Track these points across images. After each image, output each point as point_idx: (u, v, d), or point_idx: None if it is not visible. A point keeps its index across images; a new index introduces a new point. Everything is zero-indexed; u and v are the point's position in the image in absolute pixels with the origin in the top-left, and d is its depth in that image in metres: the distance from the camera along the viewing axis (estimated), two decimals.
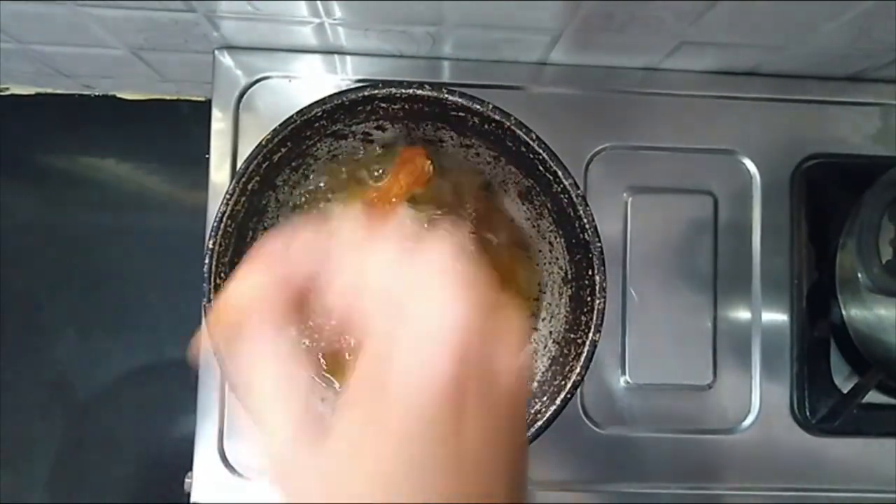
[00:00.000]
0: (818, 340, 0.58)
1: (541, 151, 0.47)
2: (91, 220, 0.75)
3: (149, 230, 0.75)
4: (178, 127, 0.73)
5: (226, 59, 0.58)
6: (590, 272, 0.47)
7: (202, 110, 0.60)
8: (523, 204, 0.53)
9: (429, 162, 0.53)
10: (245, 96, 0.58)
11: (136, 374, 0.73)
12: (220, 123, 0.57)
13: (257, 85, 0.58)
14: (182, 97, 0.73)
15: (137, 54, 0.60)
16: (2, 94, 0.72)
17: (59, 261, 0.74)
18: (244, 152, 0.56)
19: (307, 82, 0.58)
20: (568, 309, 0.51)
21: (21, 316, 0.74)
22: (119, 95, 0.73)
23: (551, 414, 0.47)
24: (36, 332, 0.73)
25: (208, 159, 0.58)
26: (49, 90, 0.72)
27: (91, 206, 0.75)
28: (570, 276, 0.51)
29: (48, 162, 0.75)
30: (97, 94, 0.73)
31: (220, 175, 0.57)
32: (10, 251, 0.73)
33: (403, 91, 0.47)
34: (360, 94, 0.47)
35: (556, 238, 0.52)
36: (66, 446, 0.73)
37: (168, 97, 0.73)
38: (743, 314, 0.59)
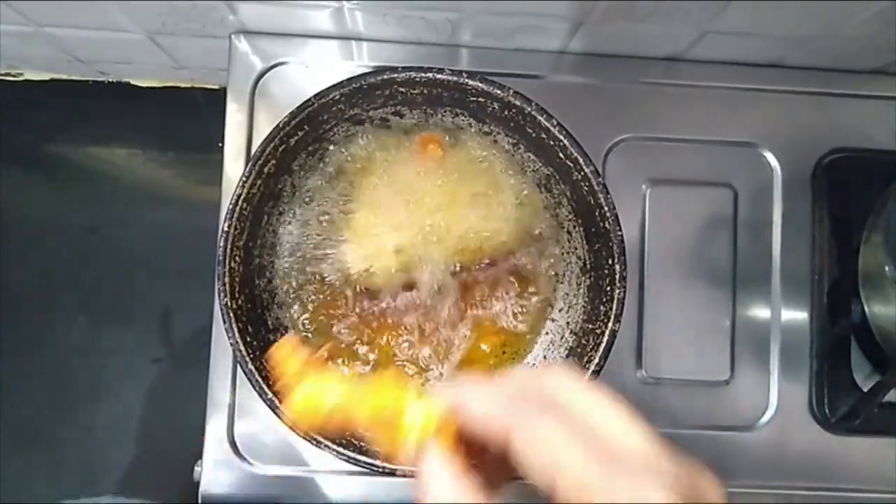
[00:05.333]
0: (839, 337, 0.57)
1: (561, 138, 0.46)
2: (102, 208, 0.75)
3: (161, 219, 0.74)
4: (192, 115, 0.73)
5: (242, 44, 0.57)
6: (610, 261, 0.46)
7: (217, 98, 0.60)
8: (541, 192, 0.53)
9: (441, 151, 0.52)
10: (261, 82, 0.57)
11: (146, 364, 0.73)
12: (235, 109, 0.57)
13: (273, 71, 0.57)
14: (196, 85, 0.72)
15: (154, 39, 0.60)
16: (16, 79, 0.72)
17: (69, 249, 0.74)
18: (259, 139, 0.55)
19: (323, 68, 0.58)
20: (586, 299, 0.50)
21: (31, 305, 0.73)
22: (133, 82, 0.72)
23: None
24: (46, 322, 0.73)
25: (222, 147, 0.57)
26: (64, 76, 0.72)
27: (103, 194, 0.75)
28: (588, 266, 0.51)
29: (61, 149, 0.75)
30: (111, 80, 0.72)
31: (234, 162, 0.57)
32: (22, 240, 0.73)
33: (423, 75, 0.46)
34: (379, 78, 0.46)
35: (574, 227, 0.51)
36: (75, 435, 0.72)
37: (183, 85, 0.72)
38: (762, 309, 0.58)
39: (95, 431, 0.72)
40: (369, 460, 0.46)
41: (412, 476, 0.46)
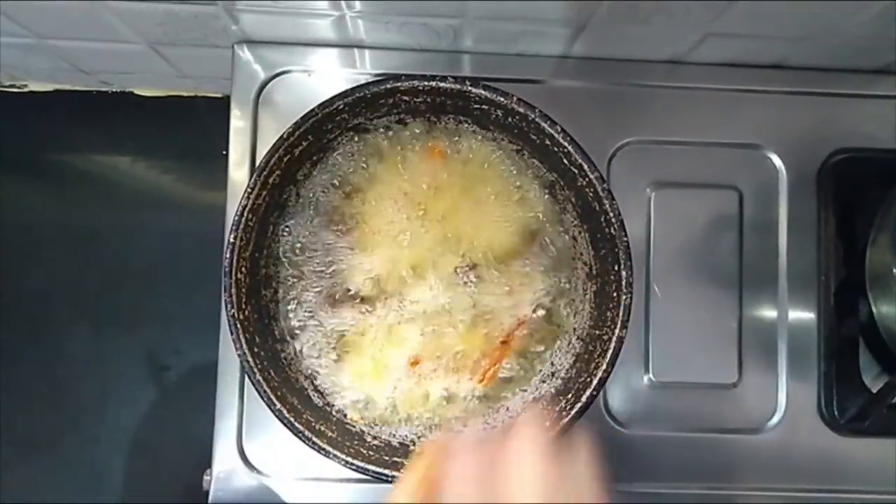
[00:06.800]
0: (846, 338, 0.57)
1: (565, 144, 0.46)
2: (107, 217, 0.75)
3: (165, 227, 0.75)
4: (195, 124, 0.73)
5: (245, 53, 0.57)
6: (616, 267, 0.46)
7: (220, 107, 0.60)
8: (546, 198, 0.53)
9: (445, 159, 0.52)
10: (264, 91, 0.57)
11: (154, 372, 0.73)
12: (239, 118, 0.57)
13: (276, 79, 0.57)
14: (199, 94, 0.72)
15: (156, 49, 0.60)
16: (20, 90, 0.72)
17: (74, 258, 0.74)
18: (263, 148, 0.55)
19: (326, 76, 0.58)
20: (593, 305, 0.50)
21: (36, 313, 0.73)
22: (136, 92, 0.73)
23: (576, 411, 0.46)
24: (51, 329, 0.73)
25: (226, 155, 0.57)
26: (67, 87, 0.72)
27: (107, 203, 0.75)
28: (594, 272, 0.50)
29: (65, 158, 0.75)
30: (115, 90, 0.72)
31: (238, 170, 0.57)
32: (26, 248, 0.73)
33: (426, 84, 0.46)
34: (383, 87, 0.46)
35: (580, 233, 0.51)
36: (81, 444, 0.72)
37: (185, 94, 0.73)
38: (769, 311, 0.58)
39: (101, 440, 0.72)
40: (378, 469, 0.46)
41: None
